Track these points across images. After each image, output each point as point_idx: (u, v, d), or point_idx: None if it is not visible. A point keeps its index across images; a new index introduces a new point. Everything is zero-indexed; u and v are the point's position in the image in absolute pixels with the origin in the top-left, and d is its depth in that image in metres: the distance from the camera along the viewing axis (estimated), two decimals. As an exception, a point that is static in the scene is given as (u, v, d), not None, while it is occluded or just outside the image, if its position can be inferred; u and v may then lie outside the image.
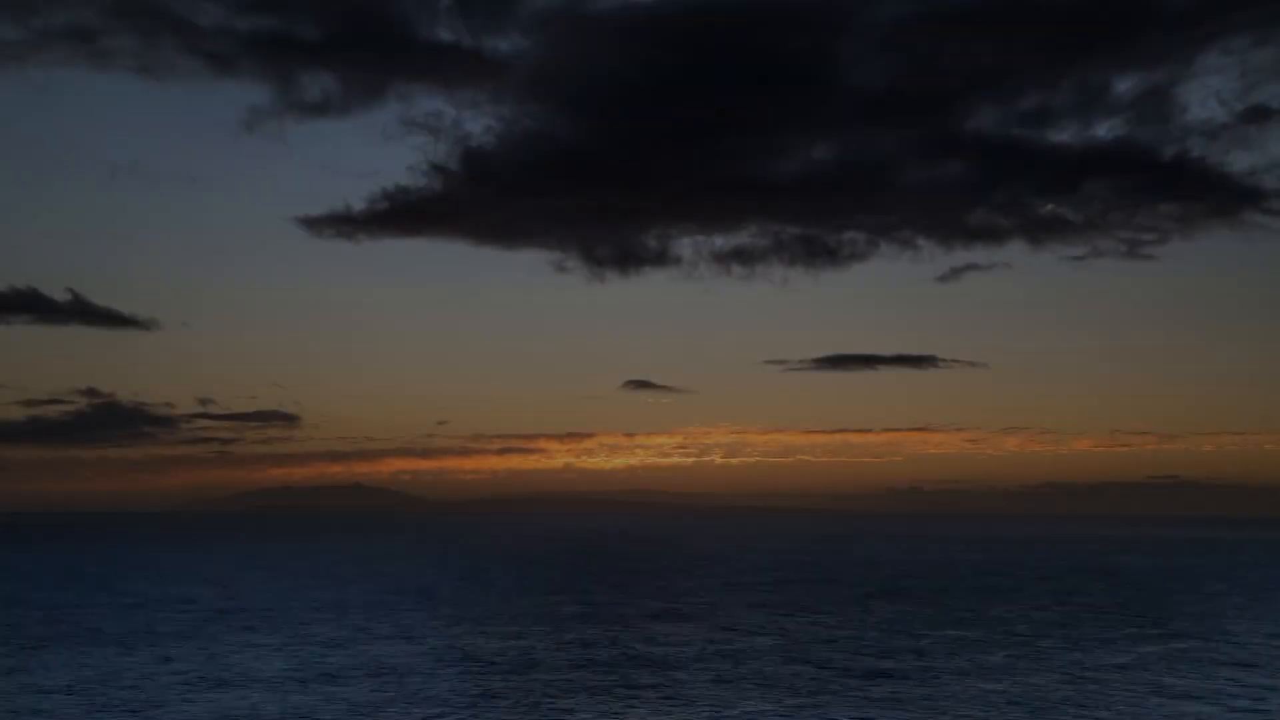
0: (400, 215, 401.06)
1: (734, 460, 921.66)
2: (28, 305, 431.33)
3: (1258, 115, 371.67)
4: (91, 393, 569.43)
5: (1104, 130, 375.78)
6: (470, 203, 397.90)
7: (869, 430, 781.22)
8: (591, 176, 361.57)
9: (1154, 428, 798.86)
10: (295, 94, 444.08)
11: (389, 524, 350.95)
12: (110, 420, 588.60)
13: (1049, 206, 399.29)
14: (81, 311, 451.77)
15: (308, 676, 37.61)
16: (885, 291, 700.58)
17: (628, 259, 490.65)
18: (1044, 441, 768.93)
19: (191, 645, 45.93)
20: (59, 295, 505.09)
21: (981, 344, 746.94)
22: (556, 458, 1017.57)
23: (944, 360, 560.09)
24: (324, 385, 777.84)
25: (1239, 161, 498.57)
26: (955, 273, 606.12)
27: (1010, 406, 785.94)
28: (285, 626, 52.77)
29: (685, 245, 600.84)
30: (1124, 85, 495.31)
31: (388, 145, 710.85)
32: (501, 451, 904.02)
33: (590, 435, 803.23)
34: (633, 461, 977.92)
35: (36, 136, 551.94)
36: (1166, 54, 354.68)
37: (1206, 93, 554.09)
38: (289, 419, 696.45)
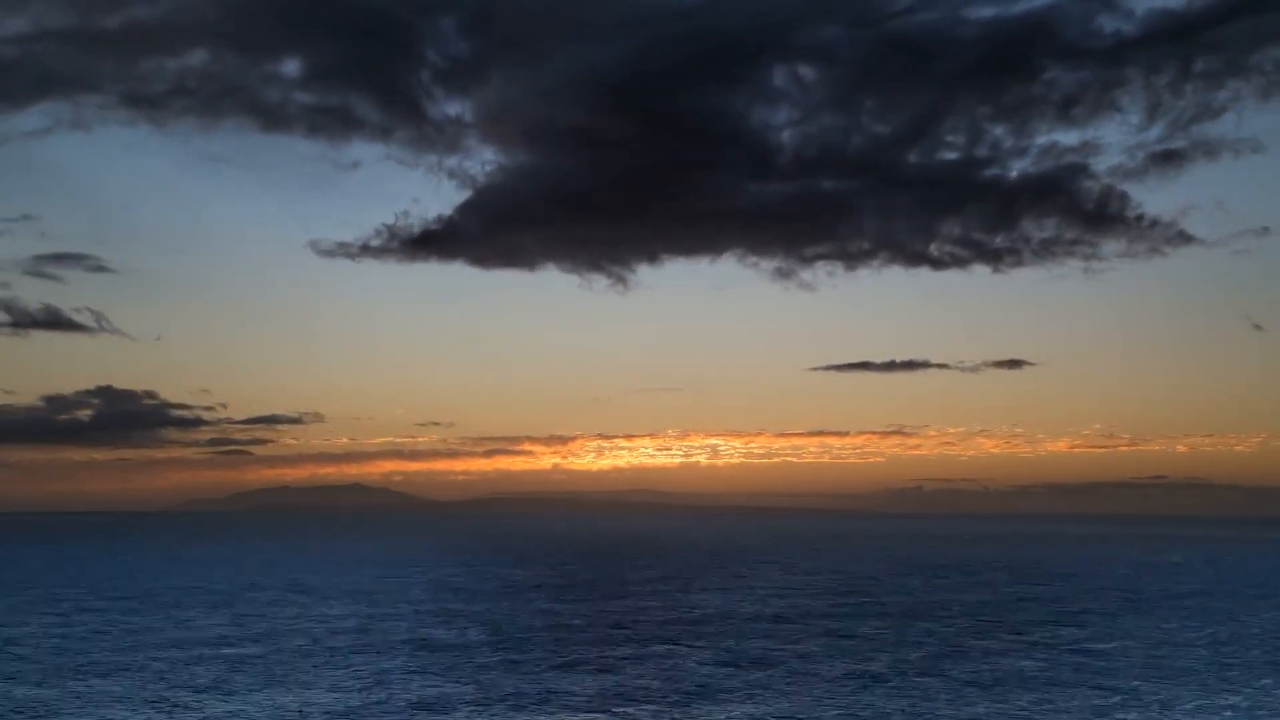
0: (405, 243, 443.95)
1: (720, 462, 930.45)
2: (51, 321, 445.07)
3: (1167, 158, 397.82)
4: (94, 395, 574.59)
5: (1029, 169, 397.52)
6: (472, 233, 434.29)
7: (846, 433, 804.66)
8: (578, 210, 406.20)
9: (1126, 431, 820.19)
10: (335, 153, 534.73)
11: (396, 522, 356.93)
12: (112, 422, 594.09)
13: (998, 239, 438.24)
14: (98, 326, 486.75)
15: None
16: (866, 305, 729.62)
17: (616, 279, 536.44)
18: (1018, 444, 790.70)
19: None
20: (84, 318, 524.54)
21: (957, 354, 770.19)
22: (543, 459, 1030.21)
23: (929, 367, 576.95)
24: (326, 390, 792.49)
25: (1157, 203, 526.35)
26: (929, 294, 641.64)
27: (986, 411, 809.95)
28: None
29: (671, 269, 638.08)
30: (1038, 139, 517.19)
31: (398, 187, 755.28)
32: (493, 453, 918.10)
33: (574, 439, 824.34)
34: (619, 463, 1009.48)
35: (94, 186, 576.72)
36: (1065, 119, 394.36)
37: (1115, 142, 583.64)
38: (291, 422, 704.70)
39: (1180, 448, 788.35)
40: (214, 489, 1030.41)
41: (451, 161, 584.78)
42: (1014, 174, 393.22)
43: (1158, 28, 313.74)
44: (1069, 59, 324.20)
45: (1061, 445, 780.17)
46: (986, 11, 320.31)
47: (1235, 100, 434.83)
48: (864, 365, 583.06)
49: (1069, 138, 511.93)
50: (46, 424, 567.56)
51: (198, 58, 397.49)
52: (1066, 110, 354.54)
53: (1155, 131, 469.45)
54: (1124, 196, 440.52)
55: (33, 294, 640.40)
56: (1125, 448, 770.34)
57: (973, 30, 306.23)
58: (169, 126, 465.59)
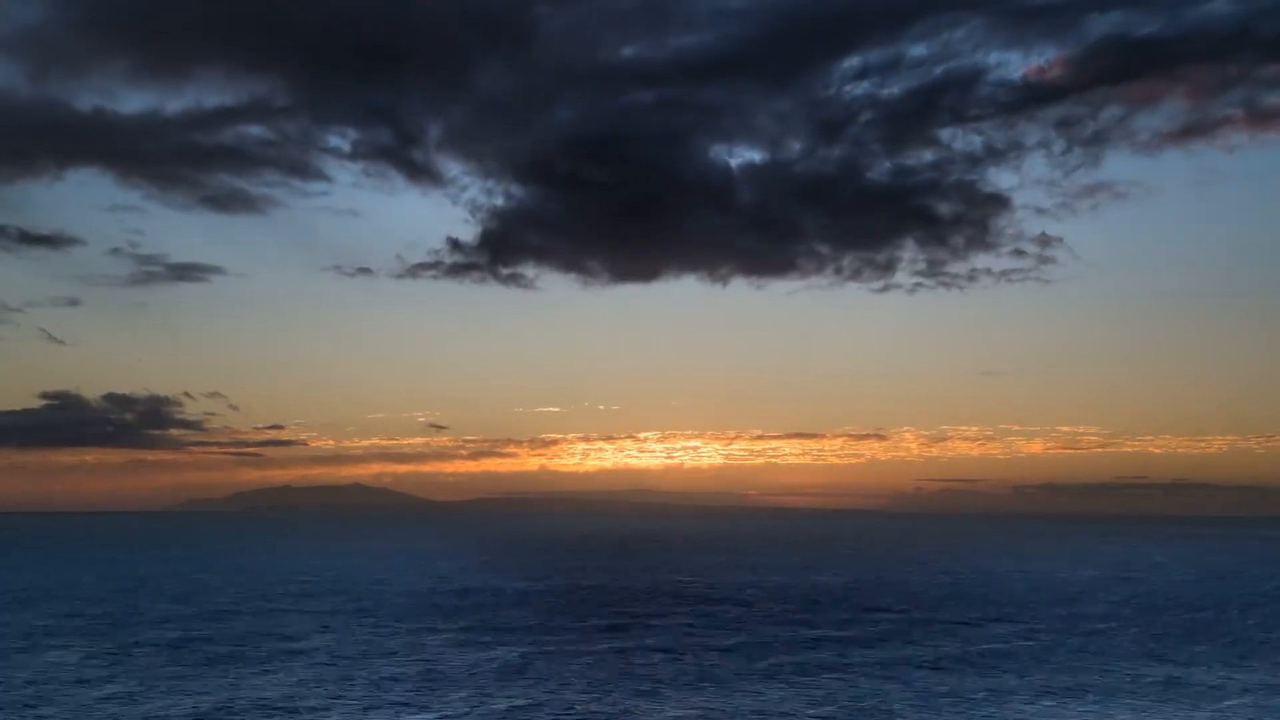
0: (411, 267, 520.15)
1: (703, 463, 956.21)
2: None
3: (1080, 197, 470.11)
4: (102, 400, 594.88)
5: (963, 210, 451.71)
6: (471, 259, 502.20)
7: (823, 435, 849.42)
8: (567, 236, 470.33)
9: (1097, 432, 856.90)
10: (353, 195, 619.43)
11: (417, 521, 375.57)
12: (110, 422, 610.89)
13: (949, 266, 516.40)
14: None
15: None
16: (840, 313, 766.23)
17: (597, 295, 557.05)
18: (993, 446, 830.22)
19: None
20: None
21: (925, 362, 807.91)
22: (528, 461, 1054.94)
23: (896, 374, 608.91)
24: (326, 396, 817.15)
25: (1083, 236, 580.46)
26: (897, 310, 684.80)
27: (956, 415, 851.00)
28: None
29: (652, 286, 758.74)
30: (961, 180, 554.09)
31: (407, 222, 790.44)
32: (479, 455, 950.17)
33: (555, 441, 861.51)
34: (605, 464, 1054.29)
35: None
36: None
37: (1036, 181, 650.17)
38: (291, 425, 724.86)
39: (1154, 449, 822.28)
40: (213, 489, 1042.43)
41: (453, 197, 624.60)
42: (948, 215, 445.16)
43: (1032, 94, 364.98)
44: (964, 124, 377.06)
45: (1036, 447, 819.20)
46: (896, 89, 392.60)
47: (1116, 153, 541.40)
48: (841, 373, 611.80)
49: (988, 181, 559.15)
50: (50, 426, 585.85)
51: (254, 131, 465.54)
52: (978, 163, 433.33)
53: (1057, 175, 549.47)
54: (1059, 239, 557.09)
55: (66, 307, 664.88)
56: (1099, 449, 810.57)
57: (881, 110, 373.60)
58: (211, 169, 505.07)
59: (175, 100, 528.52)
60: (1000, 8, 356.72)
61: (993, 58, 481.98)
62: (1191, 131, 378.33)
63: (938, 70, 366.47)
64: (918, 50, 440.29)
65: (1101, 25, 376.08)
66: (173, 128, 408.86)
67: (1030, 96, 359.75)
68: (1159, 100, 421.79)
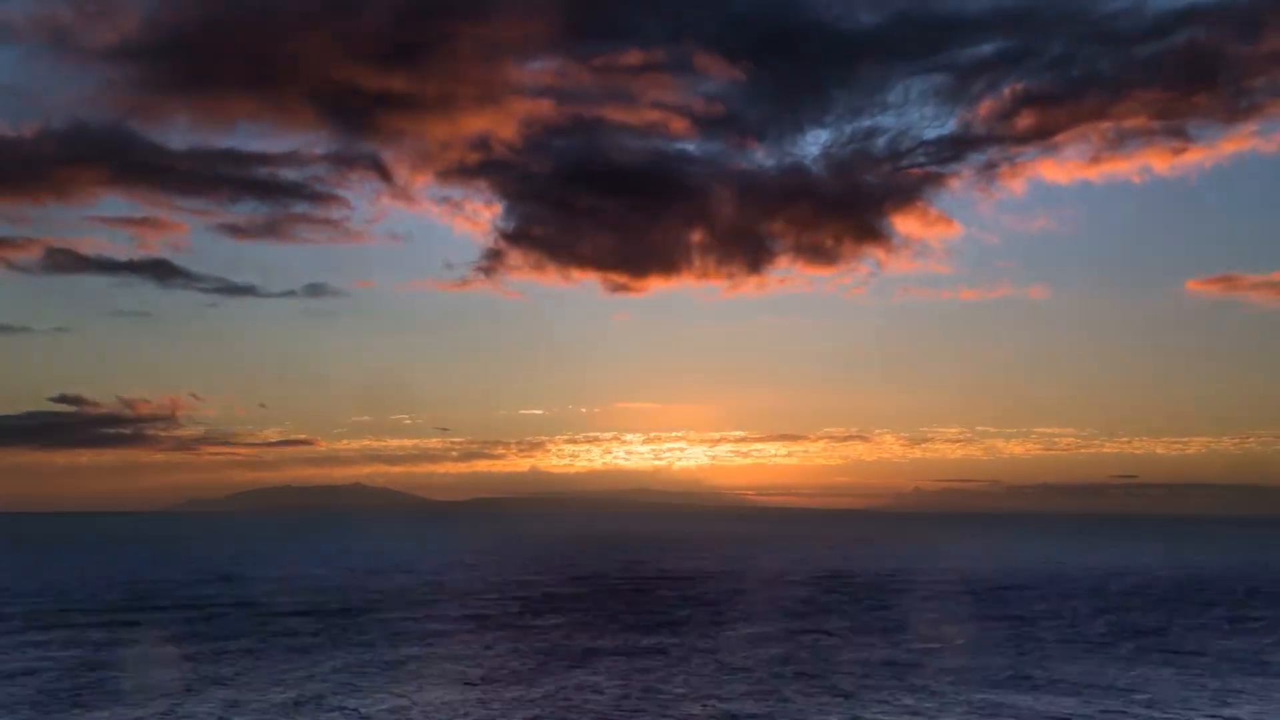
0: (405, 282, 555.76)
1: (692, 464, 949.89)
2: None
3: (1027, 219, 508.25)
4: (100, 400, 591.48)
5: (924, 230, 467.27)
6: (464, 275, 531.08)
7: (806, 437, 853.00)
8: (544, 250, 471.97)
9: (1074, 434, 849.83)
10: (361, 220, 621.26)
11: (429, 519, 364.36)
12: (119, 424, 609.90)
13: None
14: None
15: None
16: (819, 318, 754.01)
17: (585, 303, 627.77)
18: (974, 448, 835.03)
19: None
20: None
21: (905, 361, 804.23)
22: (518, 462, 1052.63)
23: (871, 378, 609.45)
24: (321, 399, 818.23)
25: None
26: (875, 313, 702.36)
27: (932, 417, 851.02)
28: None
29: (638, 297, 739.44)
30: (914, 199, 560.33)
31: (409, 240, 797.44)
32: (470, 456, 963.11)
33: (541, 443, 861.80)
34: (595, 465, 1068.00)
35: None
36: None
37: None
38: (289, 426, 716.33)
39: (1134, 450, 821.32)
40: (213, 489, 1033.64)
41: (449, 213, 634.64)
42: (902, 233, 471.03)
43: (959, 144, 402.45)
44: (904, 171, 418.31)
45: (1016, 448, 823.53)
46: (846, 152, 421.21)
47: (1045, 186, 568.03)
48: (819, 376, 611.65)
49: (936, 204, 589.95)
50: (60, 428, 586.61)
51: (285, 173, 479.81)
52: (922, 191, 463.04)
53: (995, 205, 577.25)
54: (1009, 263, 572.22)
55: (79, 316, 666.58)
56: (1078, 450, 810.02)
57: (834, 169, 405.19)
58: (239, 198, 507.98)
59: (217, 143, 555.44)
60: (932, 70, 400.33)
61: (926, 121, 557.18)
62: (1105, 163, 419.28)
63: (880, 141, 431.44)
64: (870, 121, 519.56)
65: (1009, 80, 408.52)
66: (204, 160, 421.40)
67: (958, 147, 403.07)
68: (1068, 144, 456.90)
